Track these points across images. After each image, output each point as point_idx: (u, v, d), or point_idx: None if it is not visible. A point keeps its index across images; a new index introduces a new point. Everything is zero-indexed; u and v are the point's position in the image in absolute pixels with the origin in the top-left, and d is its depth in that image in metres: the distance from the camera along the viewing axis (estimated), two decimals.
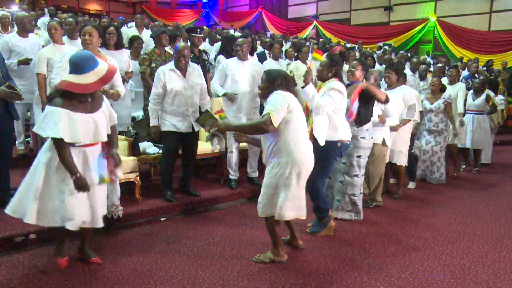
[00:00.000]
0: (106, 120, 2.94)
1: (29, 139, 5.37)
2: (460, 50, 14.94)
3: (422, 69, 6.90)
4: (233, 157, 4.87)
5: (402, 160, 5.02)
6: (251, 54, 5.05)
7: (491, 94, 6.54)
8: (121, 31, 5.13)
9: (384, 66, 7.46)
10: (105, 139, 2.95)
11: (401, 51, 11.83)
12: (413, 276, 3.16)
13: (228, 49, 5.70)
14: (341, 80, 3.78)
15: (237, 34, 9.84)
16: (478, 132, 6.50)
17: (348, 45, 12.13)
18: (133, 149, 4.35)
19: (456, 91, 6.33)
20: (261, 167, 5.16)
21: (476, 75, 8.62)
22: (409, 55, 11.06)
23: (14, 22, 5.29)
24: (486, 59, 13.03)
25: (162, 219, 4.18)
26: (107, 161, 3.02)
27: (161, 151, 4.49)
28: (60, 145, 2.72)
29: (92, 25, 3.89)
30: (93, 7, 20.86)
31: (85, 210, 2.90)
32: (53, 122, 2.68)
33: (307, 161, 3.10)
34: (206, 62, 5.81)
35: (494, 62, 12.75)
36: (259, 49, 8.29)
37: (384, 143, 4.55)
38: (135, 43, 5.57)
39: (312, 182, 3.51)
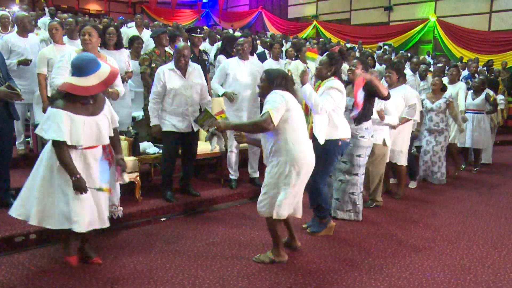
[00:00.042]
0: (108, 122, 2.94)
1: (29, 139, 5.37)
2: (460, 50, 14.94)
3: (422, 69, 6.91)
4: (233, 157, 4.87)
5: (402, 160, 5.02)
6: (251, 54, 5.05)
7: (491, 93, 6.54)
8: (120, 31, 5.12)
9: (384, 66, 7.47)
10: (107, 141, 2.95)
11: (401, 51, 11.83)
12: (413, 276, 3.16)
13: (228, 49, 5.69)
14: (340, 79, 3.78)
15: (237, 34, 9.84)
16: (478, 132, 6.51)
17: (348, 45, 12.13)
18: (133, 149, 4.35)
19: (457, 90, 6.36)
20: (262, 167, 5.18)
21: (476, 75, 8.62)
22: (409, 55, 11.06)
23: (14, 22, 5.29)
24: (486, 59, 13.03)
25: (162, 219, 4.19)
26: (109, 163, 3.02)
27: (161, 151, 4.49)
28: (60, 147, 2.72)
29: (91, 25, 3.89)
30: (93, 7, 20.88)
31: (91, 211, 2.89)
32: (56, 125, 2.67)
33: (307, 159, 3.09)
34: (206, 62, 5.81)
35: (494, 62, 12.74)
36: (259, 49, 8.29)
37: (384, 143, 4.55)
38: (135, 43, 5.57)
39: (313, 181, 3.51)
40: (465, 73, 9.45)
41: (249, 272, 3.14)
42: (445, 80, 6.32)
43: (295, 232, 3.51)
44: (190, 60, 4.33)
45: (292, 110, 3.03)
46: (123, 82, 4.29)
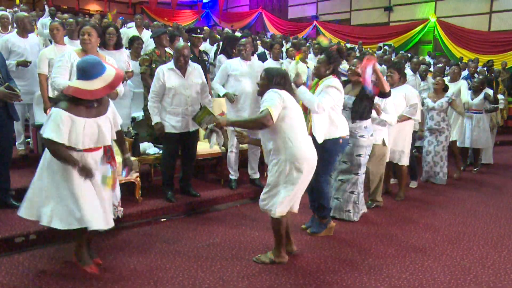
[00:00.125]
0: (110, 125, 2.92)
1: (29, 139, 5.37)
2: (460, 50, 14.93)
3: (423, 69, 6.91)
4: (233, 157, 4.87)
5: (404, 160, 5.01)
6: (251, 55, 5.05)
7: (490, 91, 6.54)
8: (120, 31, 5.12)
9: (384, 66, 7.47)
10: (108, 143, 2.93)
11: (401, 52, 11.83)
12: (413, 276, 3.15)
13: (229, 49, 5.69)
14: (339, 77, 3.78)
15: (237, 34, 9.84)
16: (477, 132, 6.51)
17: (348, 45, 12.13)
18: (133, 150, 4.35)
19: (458, 87, 6.39)
20: (262, 168, 5.18)
21: (476, 75, 8.62)
22: (409, 55, 11.07)
23: (14, 22, 5.29)
24: (486, 59, 13.02)
25: (162, 219, 4.18)
26: (111, 166, 3.02)
27: (161, 152, 4.49)
28: (54, 145, 2.68)
29: (91, 25, 3.89)
30: (93, 7, 20.88)
31: (99, 210, 2.87)
32: (55, 125, 2.66)
33: (307, 156, 3.08)
34: (206, 62, 5.81)
35: (494, 62, 12.74)
36: (260, 49, 8.30)
37: (384, 143, 4.55)
38: (135, 44, 5.57)
39: (315, 181, 3.50)
40: (464, 73, 9.44)
41: (249, 273, 3.14)
42: (446, 80, 6.32)
43: (292, 235, 3.47)
44: (190, 60, 4.33)
45: (289, 108, 3.03)
46: (122, 82, 4.29)
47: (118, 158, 3.19)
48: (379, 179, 4.66)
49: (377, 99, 4.20)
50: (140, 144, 4.52)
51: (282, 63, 6.61)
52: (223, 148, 5.01)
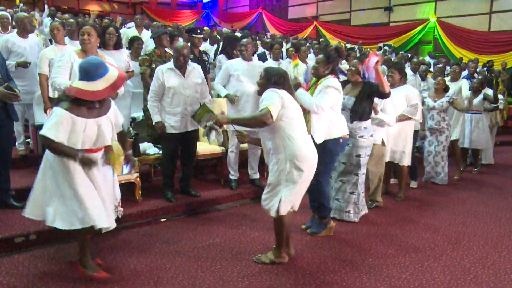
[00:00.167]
0: (111, 125, 2.90)
1: (29, 139, 5.37)
2: (460, 51, 14.93)
3: (423, 70, 6.91)
4: (234, 157, 4.87)
5: (405, 161, 5.00)
6: (252, 55, 5.05)
7: (490, 91, 6.54)
8: (120, 31, 5.12)
9: (384, 66, 7.47)
10: (108, 143, 2.93)
11: (401, 52, 11.83)
12: (413, 276, 3.16)
13: (229, 49, 5.69)
14: (337, 77, 3.78)
15: (237, 34, 9.84)
16: (476, 132, 6.52)
17: (348, 46, 12.13)
18: (133, 150, 4.34)
19: (459, 86, 6.40)
20: (262, 168, 5.19)
21: (475, 75, 8.61)
22: (409, 55, 11.07)
23: (14, 23, 5.28)
24: (486, 59, 13.02)
25: (162, 219, 4.19)
26: (112, 167, 3.02)
27: (161, 152, 4.49)
28: (50, 142, 2.65)
29: (90, 25, 3.89)
30: (93, 7, 20.87)
31: (102, 209, 2.86)
32: (55, 123, 2.64)
33: (307, 155, 3.07)
34: (206, 63, 5.81)
35: (494, 62, 12.74)
36: (260, 49, 8.30)
37: (383, 143, 4.55)
38: (135, 44, 5.57)
39: (315, 181, 3.50)
40: (464, 73, 9.44)
41: (249, 273, 3.14)
42: (446, 80, 6.32)
43: (291, 237, 3.44)
44: (190, 60, 4.32)
45: (288, 108, 3.03)
46: None
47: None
48: (378, 179, 4.66)
49: (376, 100, 4.19)
50: (140, 144, 4.52)
51: (280, 63, 6.62)
52: (223, 148, 5.03)
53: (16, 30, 5.03)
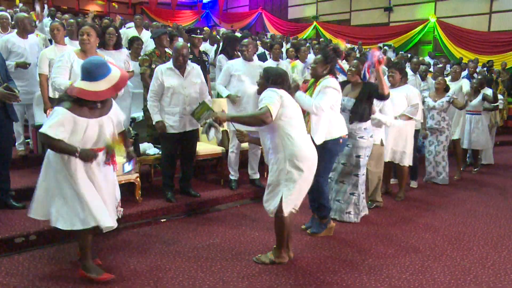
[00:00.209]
0: (112, 125, 2.89)
1: (29, 140, 5.37)
2: (460, 51, 14.93)
3: (423, 70, 6.92)
4: (234, 157, 4.87)
5: (406, 161, 5.00)
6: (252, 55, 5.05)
7: (489, 91, 6.54)
8: (120, 32, 5.12)
9: (384, 66, 7.47)
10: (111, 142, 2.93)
11: (400, 52, 11.83)
12: (413, 277, 3.15)
13: (229, 50, 5.69)
14: (336, 77, 3.78)
15: (237, 34, 9.85)
16: (476, 133, 6.52)
17: (348, 46, 12.12)
18: (133, 150, 4.34)
19: (460, 85, 6.42)
20: (262, 169, 5.19)
21: (475, 75, 8.62)
22: (409, 55, 11.07)
23: (14, 23, 5.28)
24: (486, 59, 13.03)
25: (162, 220, 4.18)
26: (113, 167, 3.01)
27: (161, 152, 4.48)
28: (50, 141, 2.65)
29: (89, 25, 3.88)
30: (93, 8, 20.88)
31: (104, 209, 2.85)
32: (56, 123, 2.63)
33: (306, 155, 3.07)
34: (206, 63, 5.81)
35: (494, 62, 12.75)
36: (260, 49, 8.30)
37: (382, 143, 4.55)
38: (134, 44, 5.57)
39: (315, 180, 3.50)
40: (464, 73, 9.44)
41: (249, 273, 3.14)
42: (447, 80, 6.33)
43: (291, 239, 3.42)
44: (190, 60, 4.32)
45: (287, 107, 3.03)
46: None
47: (118, 159, 3.18)
48: (378, 179, 4.66)
49: (375, 101, 4.19)
50: (140, 145, 4.52)
51: (279, 64, 6.62)
52: (223, 148, 5.03)
53: (16, 30, 5.03)
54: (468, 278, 3.16)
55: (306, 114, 3.62)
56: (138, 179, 4.29)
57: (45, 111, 4.40)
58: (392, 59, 8.82)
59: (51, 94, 4.36)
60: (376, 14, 17.50)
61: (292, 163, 3.03)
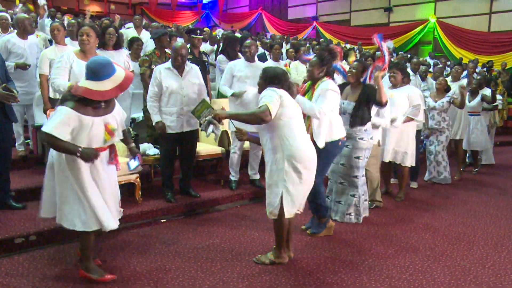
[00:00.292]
0: (116, 123, 2.88)
1: (29, 140, 5.37)
2: (460, 51, 14.94)
3: (423, 70, 6.92)
4: (236, 158, 4.86)
5: (407, 161, 4.99)
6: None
7: (487, 92, 6.54)
8: (120, 32, 5.12)
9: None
10: (116, 140, 2.92)
11: (400, 52, 11.83)
12: (413, 277, 3.15)
13: (229, 50, 5.69)
14: (332, 78, 3.78)
15: (237, 35, 9.85)
16: (475, 134, 6.53)
17: (348, 46, 12.14)
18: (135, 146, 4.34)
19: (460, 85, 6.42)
20: (262, 169, 5.17)
21: (474, 75, 8.61)
22: (408, 56, 11.07)
23: (14, 24, 5.28)
24: (486, 60, 13.03)
25: (162, 220, 4.19)
26: (116, 167, 3.01)
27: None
28: (53, 140, 2.63)
29: (89, 25, 3.88)
30: (93, 8, 20.87)
31: (107, 212, 2.85)
32: (61, 122, 2.62)
33: (305, 156, 3.07)
34: (206, 63, 5.82)
35: (494, 63, 12.74)
36: (260, 50, 8.30)
37: (379, 143, 4.56)
38: (134, 45, 5.57)
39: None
40: (464, 73, 9.43)
41: (249, 273, 3.14)
42: (448, 80, 6.32)
43: (291, 240, 3.43)
44: (189, 61, 4.31)
45: (286, 107, 3.03)
46: None
47: (121, 159, 3.18)
48: (377, 179, 4.66)
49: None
50: (140, 145, 4.52)
51: (279, 64, 6.63)
52: (223, 149, 5.03)
53: (16, 31, 5.03)
54: (468, 278, 3.16)
55: (306, 117, 3.62)
56: (138, 179, 4.29)
57: (45, 112, 4.40)
58: (392, 60, 8.81)
59: (51, 95, 4.36)
60: (376, 15, 17.50)
61: (290, 163, 3.02)
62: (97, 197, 2.79)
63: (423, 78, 6.89)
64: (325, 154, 3.61)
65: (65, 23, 6.22)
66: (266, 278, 3.07)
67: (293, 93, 3.25)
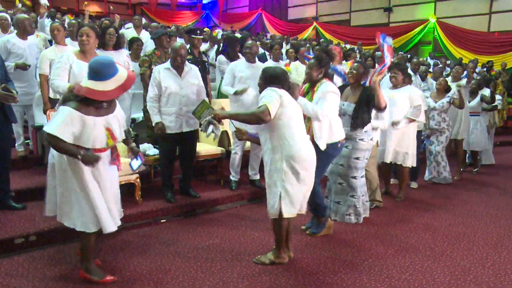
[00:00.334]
0: (118, 123, 2.88)
1: (28, 141, 5.37)
2: (460, 51, 14.94)
3: (423, 70, 6.92)
4: (237, 159, 4.86)
5: (408, 162, 4.98)
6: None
7: (487, 92, 6.54)
8: (120, 32, 5.12)
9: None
10: (119, 140, 2.93)
11: (400, 52, 11.83)
12: (413, 277, 3.15)
13: (229, 50, 5.68)
14: (331, 80, 3.78)
15: (237, 35, 9.85)
16: (475, 134, 6.53)
17: (348, 46, 12.15)
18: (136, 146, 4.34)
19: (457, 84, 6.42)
20: (262, 169, 5.17)
21: (474, 75, 8.61)
22: (408, 56, 11.08)
23: (14, 24, 5.29)
24: (485, 60, 13.03)
25: (162, 220, 4.19)
26: (117, 167, 3.01)
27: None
28: (56, 141, 2.62)
29: (89, 26, 3.88)
30: (93, 8, 20.87)
31: (108, 215, 2.83)
32: (63, 122, 2.61)
33: (304, 156, 3.06)
34: (206, 63, 5.82)
35: (494, 63, 12.74)
36: (260, 50, 8.30)
37: (377, 144, 4.56)
38: (134, 45, 5.57)
39: None
40: (464, 74, 9.42)
41: (249, 274, 3.14)
42: (448, 80, 6.32)
43: (291, 240, 3.43)
44: (189, 61, 4.31)
45: (286, 107, 3.02)
46: None
47: (122, 159, 3.17)
48: (376, 179, 4.66)
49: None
50: (140, 145, 4.52)
51: (279, 64, 6.62)
52: (223, 149, 5.03)
53: (16, 31, 5.03)
54: (468, 278, 3.16)
55: (307, 118, 3.62)
56: (138, 179, 4.29)
57: (45, 112, 4.40)
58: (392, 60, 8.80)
59: (51, 95, 4.36)
60: (376, 15, 17.51)
61: (288, 163, 3.02)
62: (98, 197, 2.78)
63: (423, 78, 6.89)
64: (324, 155, 3.61)
65: (66, 23, 6.23)
66: (266, 278, 3.07)
67: (293, 93, 3.24)
